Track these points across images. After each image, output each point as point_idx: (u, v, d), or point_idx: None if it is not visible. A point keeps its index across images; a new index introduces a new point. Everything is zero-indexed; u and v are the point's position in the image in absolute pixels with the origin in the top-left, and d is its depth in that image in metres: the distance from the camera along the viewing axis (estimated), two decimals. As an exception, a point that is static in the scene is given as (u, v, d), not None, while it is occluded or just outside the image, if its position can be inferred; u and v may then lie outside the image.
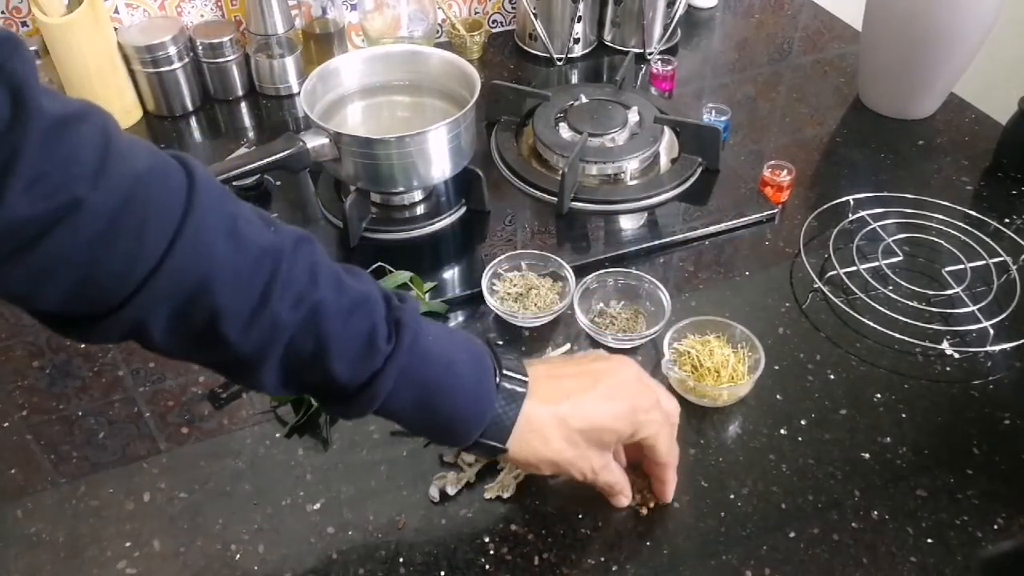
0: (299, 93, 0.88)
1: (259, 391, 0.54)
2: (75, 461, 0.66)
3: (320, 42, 1.10)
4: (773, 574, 0.58)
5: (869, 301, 0.79)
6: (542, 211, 0.90)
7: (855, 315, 0.78)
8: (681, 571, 0.59)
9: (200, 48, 1.05)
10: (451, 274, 0.83)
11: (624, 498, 0.60)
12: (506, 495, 0.62)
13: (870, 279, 0.81)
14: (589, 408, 0.55)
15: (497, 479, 0.63)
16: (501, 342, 0.66)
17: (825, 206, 0.90)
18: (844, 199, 0.90)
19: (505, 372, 0.53)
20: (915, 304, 0.78)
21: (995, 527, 0.61)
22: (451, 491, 0.62)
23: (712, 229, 0.88)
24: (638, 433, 0.56)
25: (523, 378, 0.54)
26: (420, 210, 0.89)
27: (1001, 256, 0.83)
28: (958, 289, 0.80)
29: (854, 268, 0.82)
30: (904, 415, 0.69)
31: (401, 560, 0.59)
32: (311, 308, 0.46)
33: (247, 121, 1.07)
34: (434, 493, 0.62)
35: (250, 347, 0.45)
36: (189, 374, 0.73)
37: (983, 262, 0.83)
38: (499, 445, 0.53)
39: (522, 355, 0.73)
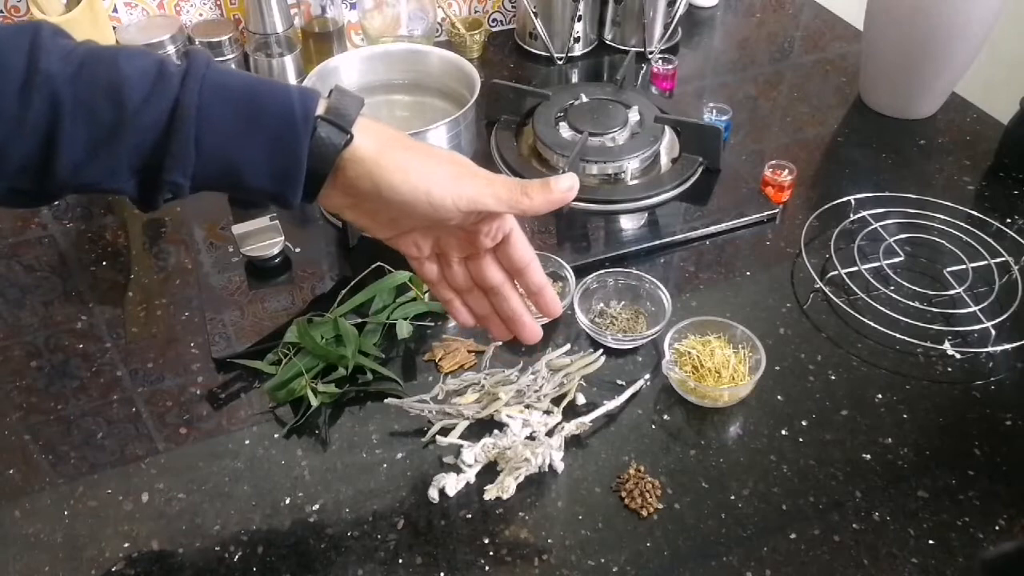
0: (298, 92, 0.88)
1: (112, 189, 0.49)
2: (73, 461, 0.66)
3: (319, 41, 1.10)
4: (774, 575, 0.58)
5: (870, 301, 0.78)
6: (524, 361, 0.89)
7: (856, 315, 0.77)
8: (681, 572, 0.58)
9: (199, 47, 1.04)
10: (451, 274, 0.83)
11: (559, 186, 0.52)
12: (505, 496, 0.62)
13: (871, 279, 0.80)
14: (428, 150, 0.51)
15: (497, 480, 0.62)
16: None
17: (826, 206, 0.89)
18: (845, 199, 0.89)
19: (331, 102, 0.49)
20: (916, 304, 0.78)
21: (996, 528, 0.61)
22: (451, 491, 0.62)
23: (713, 229, 0.87)
24: (481, 178, 0.51)
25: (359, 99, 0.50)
26: (420, 210, 0.89)
27: (1003, 256, 0.83)
28: (960, 289, 0.79)
29: (855, 268, 0.82)
30: (905, 416, 0.69)
31: (401, 561, 0.59)
32: (85, 52, 0.45)
33: (246, 120, 1.07)
34: (434, 494, 0.62)
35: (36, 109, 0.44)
36: (188, 374, 0.72)
37: (985, 262, 0.83)
38: (344, 127, 0.48)
39: (521, 355, 0.73)
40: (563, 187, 0.52)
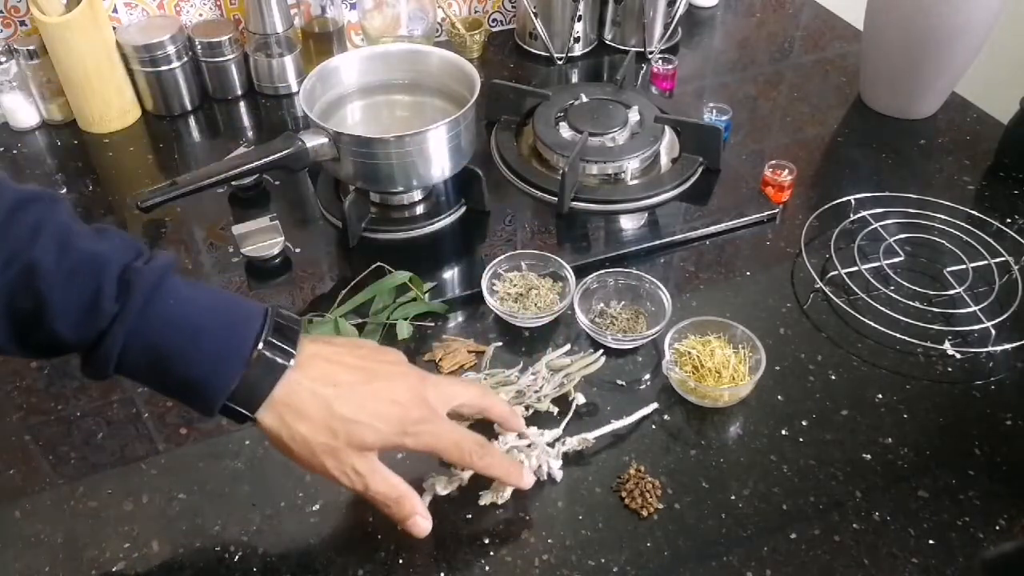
0: (298, 92, 0.88)
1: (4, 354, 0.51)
2: (73, 462, 0.66)
3: (319, 41, 1.10)
4: (774, 575, 0.58)
5: (870, 301, 0.78)
6: (542, 211, 0.89)
7: (856, 315, 0.77)
8: (682, 572, 0.58)
9: (199, 47, 1.04)
10: (451, 274, 0.83)
11: (412, 516, 0.55)
12: (500, 501, 0.62)
13: (871, 279, 0.80)
14: (355, 400, 0.52)
15: (492, 485, 0.62)
16: (286, 311, 0.55)
17: (826, 206, 0.89)
18: (845, 199, 0.89)
19: (270, 340, 0.51)
20: (917, 304, 0.78)
21: (997, 528, 0.61)
22: (441, 492, 0.61)
23: (713, 229, 0.87)
24: (409, 443, 0.54)
25: (290, 350, 0.51)
26: (420, 210, 0.89)
27: (1003, 256, 0.83)
28: (960, 289, 0.79)
29: (855, 268, 0.81)
30: (906, 416, 0.69)
31: (401, 561, 0.59)
32: (24, 267, 0.46)
33: (246, 120, 1.07)
34: (426, 500, 0.61)
35: None
36: (188, 374, 0.72)
37: (985, 262, 0.82)
38: (246, 412, 0.51)
39: (521, 355, 0.73)
40: (412, 530, 0.56)
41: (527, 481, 0.60)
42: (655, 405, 0.69)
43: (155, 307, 0.48)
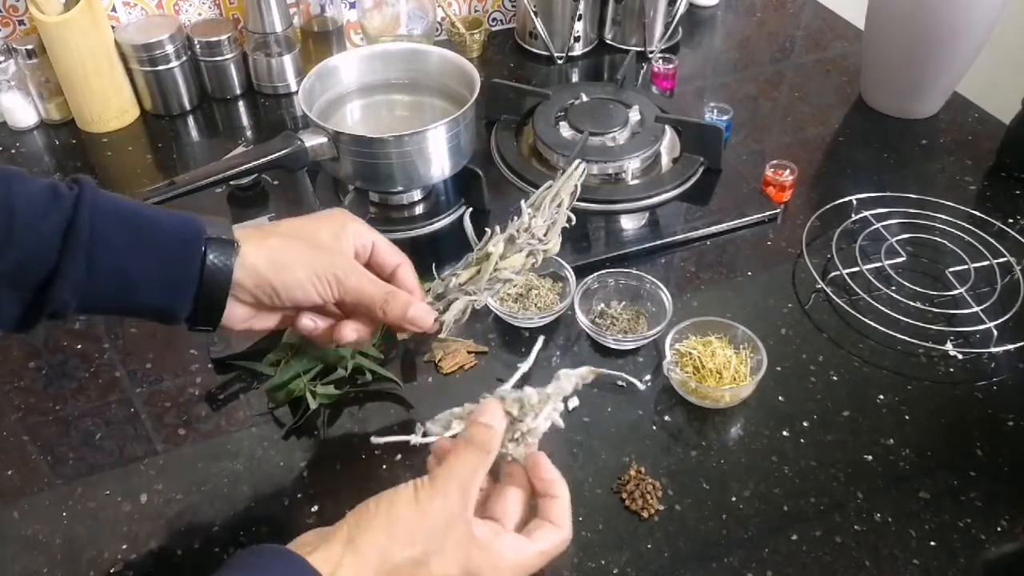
0: (297, 92, 0.87)
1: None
2: (72, 462, 0.66)
3: (318, 40, 1.10)
4: (775, 577, 0.58)
5: (872, 302, 0.78)
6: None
7: (858, 316, 0.77)
8: (683, 573, 0.58)
9: (198, 46, 1.04)
10: (451, 274, 0.82)
11: (409, 305, 0.57)
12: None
13: (873, 279, 0.80)
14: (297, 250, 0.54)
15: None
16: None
17: (828, 206, 0.89)
18: (847, 199, 0.89)
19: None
20: (918, 305, 0.78)
21: (998, 529, 0.61)
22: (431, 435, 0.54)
23: (714, 229, 0.87)
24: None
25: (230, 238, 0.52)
26: (419, 210, 0.89)
27: (1005, 256, 0.83)
28: (961, 290, 0.79)
29: (857, 268, 0.81)
30: (907, 416, 0.69)
31: (400, 563, 0.58)
32: None
33: (245, 120, 1.07)
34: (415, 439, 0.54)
35: None
36: (187, 375, 0.72)
37: (987, 262, 0.82)
38: (231, 240, 0.51)
39: (522, 355, 0.73)
40: (417, 322, 0.57)
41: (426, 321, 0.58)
42: (647, 377, 0.65)
43: (104, 193, 0.49)
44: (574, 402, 0.61)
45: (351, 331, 0.57)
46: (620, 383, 0.71)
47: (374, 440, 0.54)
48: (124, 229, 0.49)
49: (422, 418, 0.66)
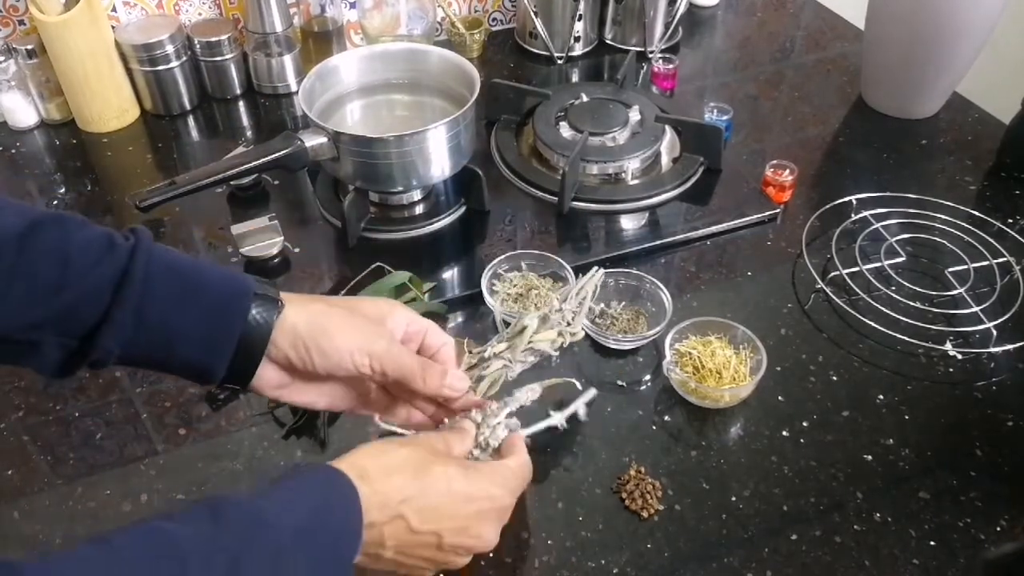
0: (297, 92, 0.87)
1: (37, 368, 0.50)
2: (72, 462, 0.66)
3: (319, 40, 1.10)
4: (775, 577, 0.58)
5: (872, 302, 0.78)
6: (542, 211, 0.89)
7: (857, 316, 0.77)
8: (683, 573, 0.58)
9: (198, 46, 1.04)
10: (451, 274, 0.82)
11: (444, 377, 0.56)
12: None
13: (873, 280, 0.80)
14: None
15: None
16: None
17: (827, 206, 0.89)
18: (847, 199, 0.89)
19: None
20: (918, 305, 0.78)
21: (998, 529, 0.61)
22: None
23: (714, 229, 0.87)
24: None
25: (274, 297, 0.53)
26: (419, 210, 0.89)
27: (1004, 256, 0.83)
28: (961, 290, 0.79)
29: (856, 268, 0.81)
30: (907, 416, 0.69)
31: (400, 563, 0.58)
32: (51, 218, 0.47)
33: (245, 120, 1.07)
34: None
35: None
36: (187, 375, 0.72)
37: (986, 263, 0.82)
38: (276, 298, 0.51)
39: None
40: (454, 387, 0.56)
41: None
42: (585, 399, 0.62)
43: (160, 245, 0.50)
44: (582, 412, 0.61)
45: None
46: (620, 383, 0.71)
47: (379, 423, 0.57)
48: (175, 283, 0.49)
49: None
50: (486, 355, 0.63)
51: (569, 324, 0.64)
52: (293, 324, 0.52)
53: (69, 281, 0.46)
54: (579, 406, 0.61)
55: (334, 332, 0.53)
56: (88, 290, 0.47)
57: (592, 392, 0.63)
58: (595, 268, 0.70)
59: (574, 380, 0.65)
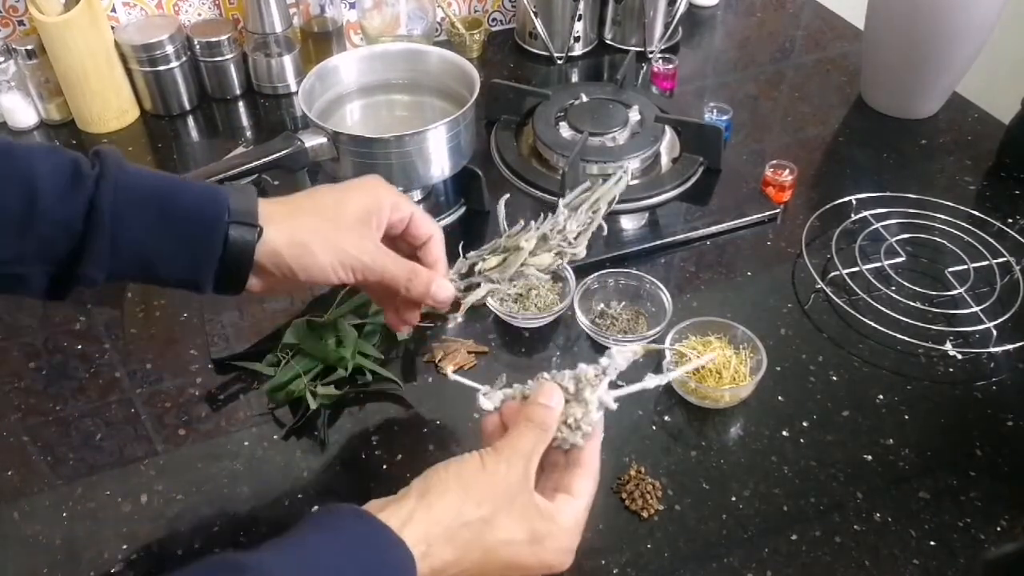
0: (297, 92, 0.87)
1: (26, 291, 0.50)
2: (72, 463, 0.66)
3: (318, 40, 1.10)
4: (775, 577, 0.58)
5: (872, 302, 0.78)
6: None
7: (857, 316, 0.77)
8: (683, 574, 0.58)
9: (197, 47, 1.04)
10: (451, 274, 0.82)
11: (432, 281, 0.57)
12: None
13: (872, 280, 0.80)
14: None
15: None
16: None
17: (827, 206, 0.89)
18: (846, 199, 0.89)
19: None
20: (918, 305, 0.78)
21: (998, 529, 0.61)
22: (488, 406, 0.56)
23: (714, 229, 0.87)
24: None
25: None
26: (419, 210, 0.89)
27: (1004, 256, 0.83)
28: (961, 290, 0.79)
29: (856, 268, 0.81)
30: (907, 416, 0.69)
31: (400, 563, 0.58)
32: (1, 150, 0.47)
33: (245, 120, 1.07)
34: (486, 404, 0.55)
35: None
36: (187, 375, 0.72)
37: (986, 262, 0.82)
38: (254, 222, 0.51)
39: (522, 355, 0.73)
40: (438, 297, 0.58)
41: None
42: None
43: (127, 166, 0.50)
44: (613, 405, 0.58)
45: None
46: (620, 383, 0.71)
47: (451, 375, 0.57)
48: (145, 209, 0.49)
49: (430, 410, 0.67)
50: (476, 268, 0.61)
51: (571, 244, 0.60)
52: (273, 248, 0.52)
53: (37, 215, 0.47)
54: (666, 377, 0.55)
55: (316, 250, 0.53)
56: (59, 222, 0.47)
57: (675, 372, 0.58)
58: (620, 173, 0.64)
59: (669, 347, 0.62)
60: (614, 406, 0.53)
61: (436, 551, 0.45)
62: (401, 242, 0.60)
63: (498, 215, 0.64)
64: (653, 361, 0.73)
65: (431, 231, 0.60)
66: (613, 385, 0.53)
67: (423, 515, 0.45)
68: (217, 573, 0.39)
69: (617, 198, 0.64)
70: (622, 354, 0.53)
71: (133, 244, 0.49)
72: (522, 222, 0.64)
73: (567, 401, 0.52)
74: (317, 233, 0.53)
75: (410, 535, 0.44)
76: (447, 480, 0.47)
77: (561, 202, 0.64)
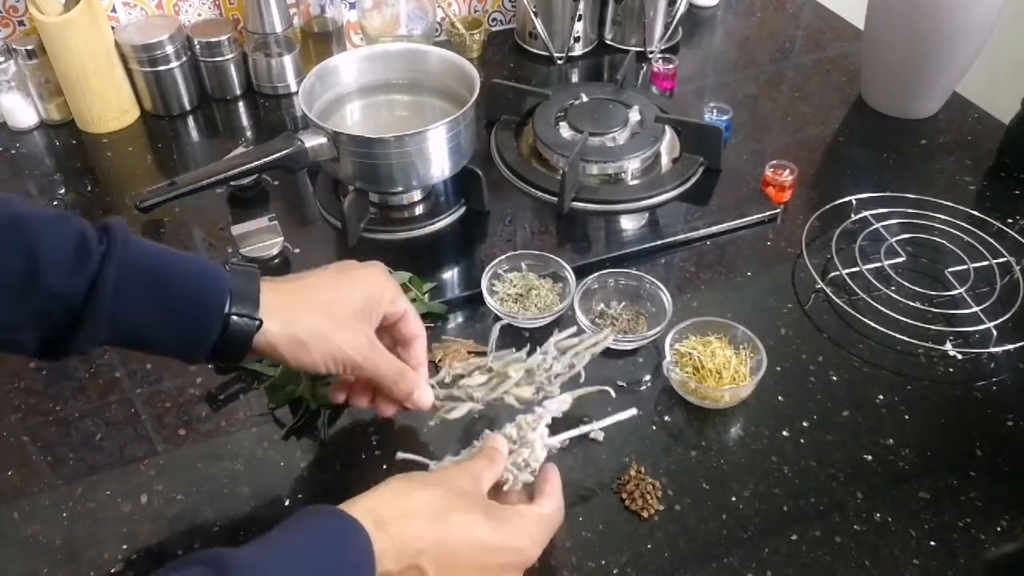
0: (297, 92, 0.87)
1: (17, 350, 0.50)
2: (72, 463, 0.66)
3: (318, 40, 1.10)
4: (775, 577, 0.58)
5: (871, 302, 0.78)
6: (542, 211, 0.89)
7: (857, 316, 0.77)
8: (683, 574, 0.58)
9: (198, 47, 1.04)
10: (450, 275, 0.82)
11: (415, 389, 0.59)
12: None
13: (872, 280, 0.80)
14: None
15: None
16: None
17: (827, 206, 0.89)
18: (846, 199, 0.89)
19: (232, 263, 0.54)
20: (918, 305, 0.78)
21: (998, 529, 0.61)
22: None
23: (714, 229, 0.87)
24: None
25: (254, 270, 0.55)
26: (419, 210, 0.89)
27: (1004, 256, 0.83)
28: (961, 290, 0.79)
29: (856, 269, 0.81)
30: (907, 416, 0.69)
31: (400, 563, 0.58)
32: (11, 218, 0.47)
33: (245, 120, 1.07)
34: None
35: None
36: (187, 375, 0.72)
37: (986, 263, 0.82)
38: (255, 316, 0.52)
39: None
40: (419, 404, 0.60)
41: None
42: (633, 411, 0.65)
43: (134, 241, 0.50)
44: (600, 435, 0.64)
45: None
46: (620, 383, 0.71)
47: (399, 456, 0.60)
48: (147, 289, 0.50)
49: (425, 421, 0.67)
50: (459, 383, 0.64)
51: (550, 383, 0.64)
52: (270, 340, 0.53)
53: (38, 288, 0.47)
54: (616, 418, 0.62)
55: (312, 347, 0.54)
56: (60, 296, 0.47)
57: (632, 411, 0.64)
58: (606, 332, 0.68)
59: (608, 388, 0.66)
60: (559, 446, 0.60)
61: (385, 514, 0.46)
62: (386, 334, 0.61)
63: (490, 337, 0.67)
64: (653, 362, 0.73)
65: (419, 332, 0.61)
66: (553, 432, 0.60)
67: (371, 493, 0.48)
68: (199, 565, 0.40)
69: (596, 355, 0.68)
70: (555, 403, 0.61)
71: (130, 321, 0.50)
72: (512, 351, 0.66)
73: (514, 445, 0.57)
74: (314, 333, 0.54)
75: (358, 508, 0.46)
76: (398, 477, 0.50)
77: (552, 341, 0.67)
